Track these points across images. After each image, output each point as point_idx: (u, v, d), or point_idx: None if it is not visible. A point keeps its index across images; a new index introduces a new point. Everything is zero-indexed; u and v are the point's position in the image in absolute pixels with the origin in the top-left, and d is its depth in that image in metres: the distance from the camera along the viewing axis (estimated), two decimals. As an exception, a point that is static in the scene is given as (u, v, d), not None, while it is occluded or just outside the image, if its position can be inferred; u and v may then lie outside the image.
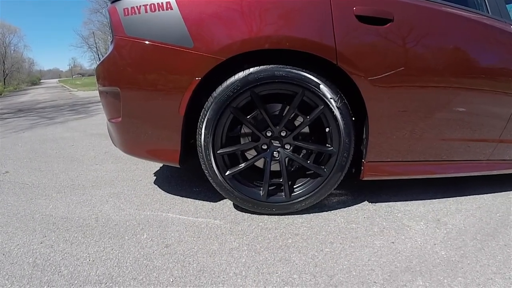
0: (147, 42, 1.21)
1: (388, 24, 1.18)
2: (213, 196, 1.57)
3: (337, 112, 1.22)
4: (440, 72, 1.24)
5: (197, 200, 1.55)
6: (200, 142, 1.27)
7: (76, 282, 1.00)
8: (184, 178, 1.87)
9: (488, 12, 1.41)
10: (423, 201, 1.49)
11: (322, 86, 1.19)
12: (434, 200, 1.50)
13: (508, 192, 1.58)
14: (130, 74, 1.27)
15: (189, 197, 1.59)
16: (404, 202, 1.48)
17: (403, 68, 1.20)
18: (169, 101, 1.23)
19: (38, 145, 3.02)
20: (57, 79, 73.83)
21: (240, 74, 1.19)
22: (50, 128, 4.09)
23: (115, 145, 1.59)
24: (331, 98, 1.21)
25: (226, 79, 1.20)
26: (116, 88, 1.31)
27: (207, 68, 1.16)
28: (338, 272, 1.00)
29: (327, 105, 1.22)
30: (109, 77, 1.37)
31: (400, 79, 1.21)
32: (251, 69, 1.18)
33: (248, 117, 1.29)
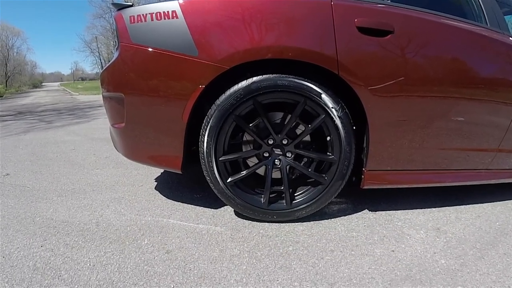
0: (152, 50, 1.24)
1: (389, 36, 1.20)
2: (214, 202, 1.57)
3: (338, 121, 1.24)
4: (439, 82, 1.26)
5: (198, 207, 1.56)
6: (203, 149, 1.28)
7: (76, 286, 1.00)
8: (185, 184, 1.87)
9: (487, 24, 1.44)
10: (423, 209, 1.49)
11: (323, 96, 1.21)
12: (433, 209, 1.50)
13: (507, 201, 1.59)
14: (135, 80, 1.29)
15: (190, 203, 1.59)
16: (404, 210, 1.48)
17: (403, 78, 1.22)
18: (173, 108, 1.25)
19: (39, 148, 3.03)
20: (58, 83, 74.09)
21: (243, 83, 1.21)
22: (51, 131, 4.10)
23: (117, 150, 1.60)
24: (332, 108, 1.22)
25: (229, 87, 1.22)
26: (121, 94, 1.33)
27: (211, 76, 1.18)
28: (339, 280, 1.01)
29: (328, 114, 1.24)
30: (114, 83, 1.39)
31: (400, 88, 1.23)
32: (254, 78, 1.20)
33: (250, 125, 1.31)
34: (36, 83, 46.31)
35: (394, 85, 1.21)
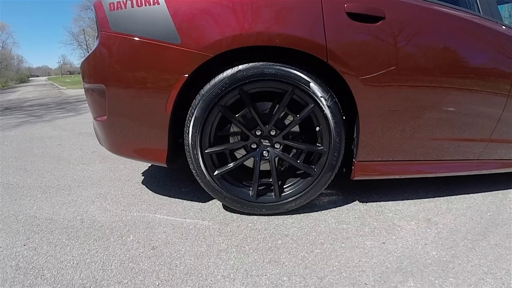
0: (133, 38, 1.18)
1: (380, 22, 1.16)
2: (202, 196, 1.54)
3: (327, 111, 1.20)
4: (431, 72, 1.23)
5: (185, 201, 1.52)
6: (188, 141, 1.24)
7: (59, 286, 0.96)
8: (173, 178, 1.83)
9: (480, 12, 1.41)
10: (413, 200, 1.48)
11: (312, 84, 1.17)
12: (424, 199, 1.49)
13: (498, 191, 1.59)
14: (116, 70, 1.23)
15: (177, 198, 1.55)
16: (395, 201, 1.47)
17: (394, 66, 1.18)
18: (156, 99, 1.19)
19: (24, 144, 2.94)
20: (46, 77, 72.51)
21: (229, 72, 1.16)
22: (37, 127, 3.99)
23: (101, 144, 1.55)
24: (321, 97, 1.18)
25: (214, 76, 1.17)
26: (101, 85, 1.27)
27: (194, 65, 1.13)
28: (329, 274, 0.98)
29: (317, 104, 1.20)
30: (94, 74, 1.33)
31: (391, 78, 1.19)
32: (240, 67, 1.15)
33: (237, 115, 1.26)
34: (23, 78, 45.03)
35: (385, 73, 1.18)
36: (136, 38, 1.17)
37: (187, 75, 1.14)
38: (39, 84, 28.31)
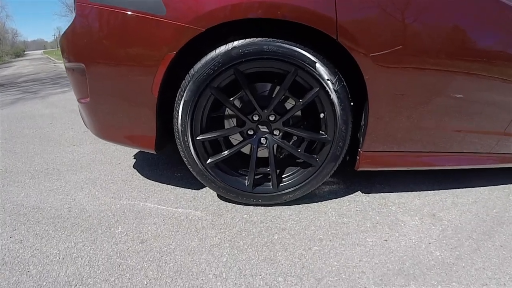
0: (112, 10, 1.03)
1: None
2: (195, 183, 1.45)
3: (334, 96, 1.07)
4: (456, 50, 1.06)
5: (178, 188, 1.44)
6: (177, 126, 1.13)
7: (44, 283, 0.91)
8: (166, 161, 1.74)
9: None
10: (418, 192, 1.39)
11: (318, 65, 1.04)
12: (429, 192, 1.40)
13: (504, 185, 1.48)
14: (95, 47, 1.10)
15: (169, 184, 1.47)
16: (399, 193, 1.38)
17: (414, 44, 1.01)
18: (140, 80, 1.07)
19: (15, 124, 2.84)
20: (42, 50, 70.68)
21: (222, 49, 1.02)
22: (29, 104, 3.87)
23: (87, 127, 1.45)
24: (328, 80, 1.06)
25: (205, 54, 1.04)
26: (81, 64, 1.14)
27: (183, 40, 0.99)
28: (327, 275, 0.92)
29: (323, 87, 1.07)
30: (73, 52, 1.20)
31: (413, 59, 1.03)
32: (235, 43, 1.01)
33: (231, 98, 1.13)
34: (19, 52, 43.61)
35: (404, 54, 1.01)
36: (116, 10, 1.03)
37: (174, 53, 1.01)
38: (35, 58, 27.61)
